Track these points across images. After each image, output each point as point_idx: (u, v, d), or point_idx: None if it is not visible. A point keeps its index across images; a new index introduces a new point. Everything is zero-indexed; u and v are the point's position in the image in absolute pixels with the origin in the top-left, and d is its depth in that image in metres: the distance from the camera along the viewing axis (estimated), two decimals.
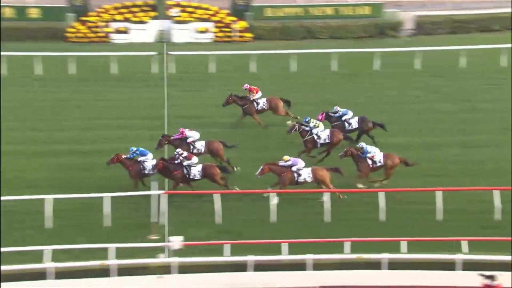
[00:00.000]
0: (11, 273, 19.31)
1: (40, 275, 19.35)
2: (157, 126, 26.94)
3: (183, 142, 24.32)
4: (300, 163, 23.00)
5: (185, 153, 23.33)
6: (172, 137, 24.51)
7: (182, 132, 24.43)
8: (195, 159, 23.46)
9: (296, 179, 22.68)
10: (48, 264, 19.39)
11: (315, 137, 24.39)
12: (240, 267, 20.06)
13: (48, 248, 19.83)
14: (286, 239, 20.85)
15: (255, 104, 26.61)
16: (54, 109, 28.02)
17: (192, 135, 24.54)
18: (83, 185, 23.28)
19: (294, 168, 22.74)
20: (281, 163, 22.83)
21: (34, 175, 24.02)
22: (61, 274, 19.47)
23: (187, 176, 23.03)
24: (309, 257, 19.93)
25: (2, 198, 22.15)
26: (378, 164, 23.27)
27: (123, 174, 23.58)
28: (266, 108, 26.74)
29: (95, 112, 28.07)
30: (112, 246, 20.25)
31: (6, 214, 22.17)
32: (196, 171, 23.03)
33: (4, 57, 30.83)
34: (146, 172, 23.24)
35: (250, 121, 26.75)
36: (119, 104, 28.83)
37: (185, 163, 23.09)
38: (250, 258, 19.90)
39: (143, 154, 23.39)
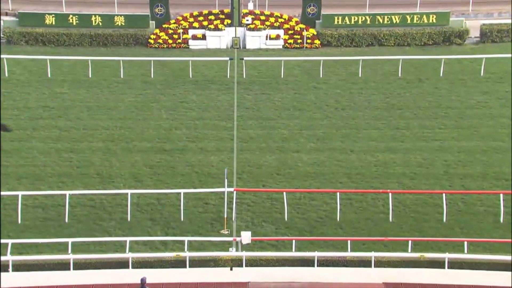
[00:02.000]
0: (94, 261, 19.79)
1: (120, 265, 19.88)
2: (230, 127, 27.41)
3: None
4: None
5: None
6: None
7: None
8: None
9: None
10: (126, 254, 19.87)
11: None
12: (306, 263, 20.23)
13: (127, 239, 20.28)
14: (351, 237, 21.05)
15: None
16: (141, 109, 28.34)
17: None
18: (164, 180, 23.92)
19: None
20: None
21: (122, 170, 24.34)
22: (139, 264, 19.93)
23: None
24: (373, 254, 19.90)
25: (99, 192, 22.79)
26: None
27: (204, 171, 24.17)
28: None
29: (178, 113, 28.26)
30: (186, 239, 20.56)
31: (94, 207, 22.67)
32: None
33: (90, 61, 31.33)
34: None
35: None
36: (197, 105, 28.99)
37: None
38: (316, 254, 20.12)
39: None
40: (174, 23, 35.06)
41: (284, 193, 22.51)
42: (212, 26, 34.73)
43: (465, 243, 20.36)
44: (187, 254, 19.79)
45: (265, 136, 26.91)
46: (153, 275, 19.28)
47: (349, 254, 19.97)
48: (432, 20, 35.39)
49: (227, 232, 21.64)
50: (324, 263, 19.86)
